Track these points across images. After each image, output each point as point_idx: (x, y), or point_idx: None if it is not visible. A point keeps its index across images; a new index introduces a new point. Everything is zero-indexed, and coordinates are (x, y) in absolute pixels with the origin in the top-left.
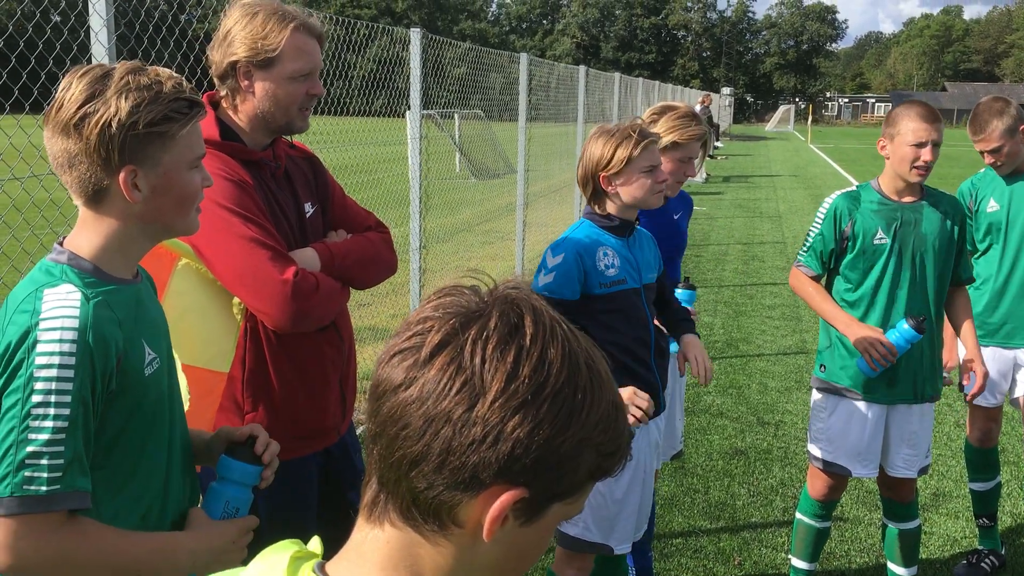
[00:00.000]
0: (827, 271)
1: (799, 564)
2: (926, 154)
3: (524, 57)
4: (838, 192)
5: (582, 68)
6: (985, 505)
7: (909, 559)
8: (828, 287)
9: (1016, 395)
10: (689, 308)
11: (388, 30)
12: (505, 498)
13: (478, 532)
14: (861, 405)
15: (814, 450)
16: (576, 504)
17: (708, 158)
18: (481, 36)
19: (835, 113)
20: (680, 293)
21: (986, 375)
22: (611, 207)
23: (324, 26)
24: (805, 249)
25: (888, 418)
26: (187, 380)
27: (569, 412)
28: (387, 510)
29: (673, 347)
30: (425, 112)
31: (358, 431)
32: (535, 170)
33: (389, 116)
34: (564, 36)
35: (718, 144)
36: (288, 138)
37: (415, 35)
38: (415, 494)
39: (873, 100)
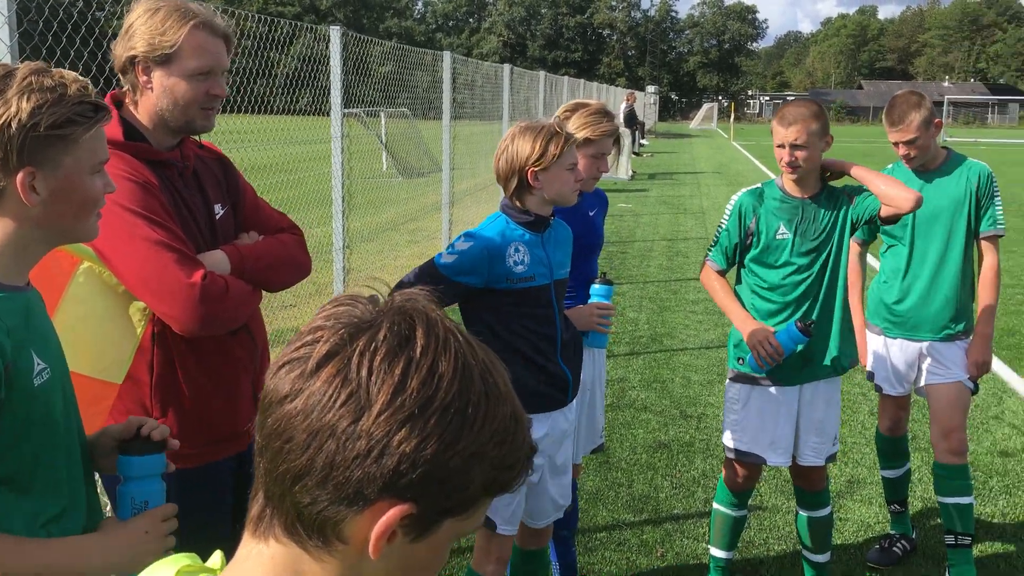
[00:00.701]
0: (732, 266)
1: (717, 553)
2: (784, 155)
3: (447, 55)
4: (744, 189)
5: (507, 67)
6: (896, 491)
7: (822, 545)
8: (737, 281)
9: (921, 384)
10: (607, 302)
11: (311, 27)
12: (391, 514)
13: (365, 549)
14: (774, 393)
15: (728, 441)
16: (471, 520)
17: (634, 155)
18: (407, 34)
19: (757, 111)
20: (597, 288)
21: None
22: (531, 202)
23: (232, 25)
24: (713, 245)
25: (799, 405)
26: (75, 388)
27: (459, 426)
28: (272, 525)
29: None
30: (349, 111)
31: None
32: (461, 168)
33: (314, 114)
34: (491, 34)
35: (644, 142)
36: (197, 138)
37: (335, 33)
38: (299, 509)
39: (793, 98)
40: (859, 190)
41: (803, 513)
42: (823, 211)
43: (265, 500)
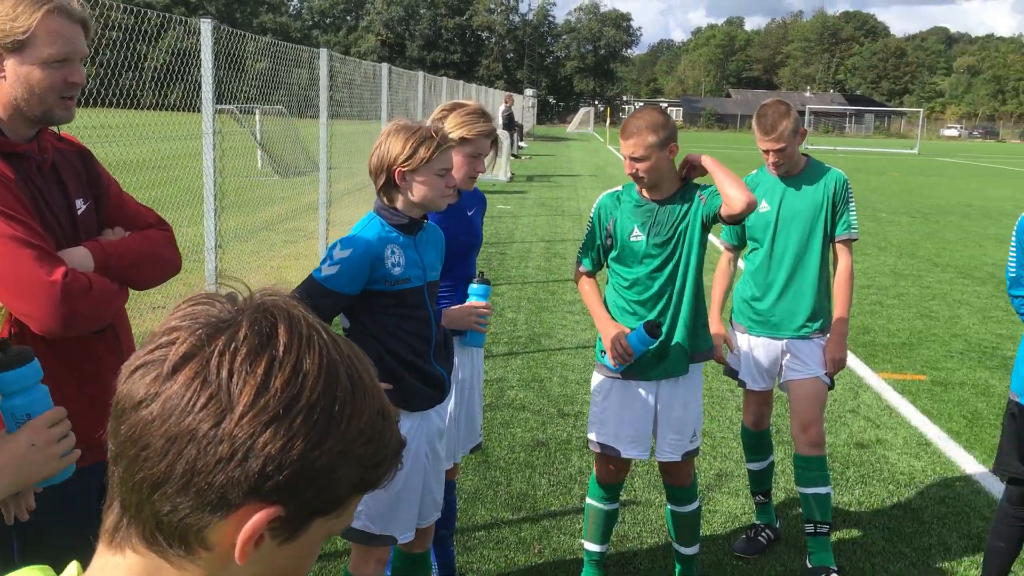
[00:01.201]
0: (598, 267)
1: (591, 547)
2: (627, 167)
3: (324, 52)
4: (605, 192)
5: (385, 66)
6: (760, 483)
7: (691, 539)
8: (608, 280)
9: (785, 379)
10: (484, 302)
11: (181, 20)
12: (258, 518)
13: (230, 554)
14: (631, 387)
15: (591, 434)
16: (342, 519)
17: (512, 157)
18: (282, 30)
19: None
20: (475, 288)
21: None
22: (400, 202)
23: (88, 10)
24: (581, 247)
25: (656, 402)
26: None
27: (326, 425)
28: (129, 535)
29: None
30: (222, 107)
31: None
32: (339, 168)
33: (185, 110)
34: (369, 33)
35: (522, 144)
36: (56, 130)
37: (206, 26)
38: (159, 518)
39: (666, 104)
40: (712, 189)
41: (671, 507)
42: (676, 212)
43: (121, 510)
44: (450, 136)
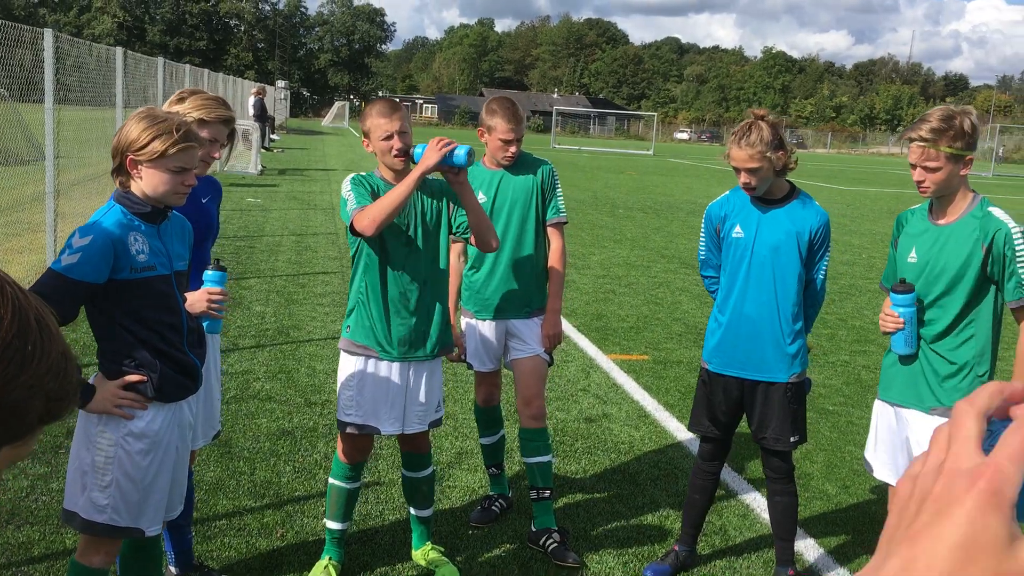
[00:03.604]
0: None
1: (333, 525)
2: (395, 143)
3: (48, 33)
4: (350, 176)
5: (119, 50)
6: (493, 456)
7: (425, 501)
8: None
9: (510, 358)
10: (219, 288)
11: None
12: None
13: None
14: (383, 368)
15: (342, 414)
16: (25, 447)
17: (264, 150)
18: (4, 7)
19: None
20: (209, 274)
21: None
22: (134, 187)
23: None
24: None
25: (404, 381)
26: None
27: (20, 363)
28: None
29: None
30: None
31: None
32: (69, 157)
33: None
34: (104, 15)
35: (274, 137)
36: None
37: None
38: None
39: (422, 101)
40: None
41: (408, 474)
42: (423, 198)
43: None
44: (191, 123)
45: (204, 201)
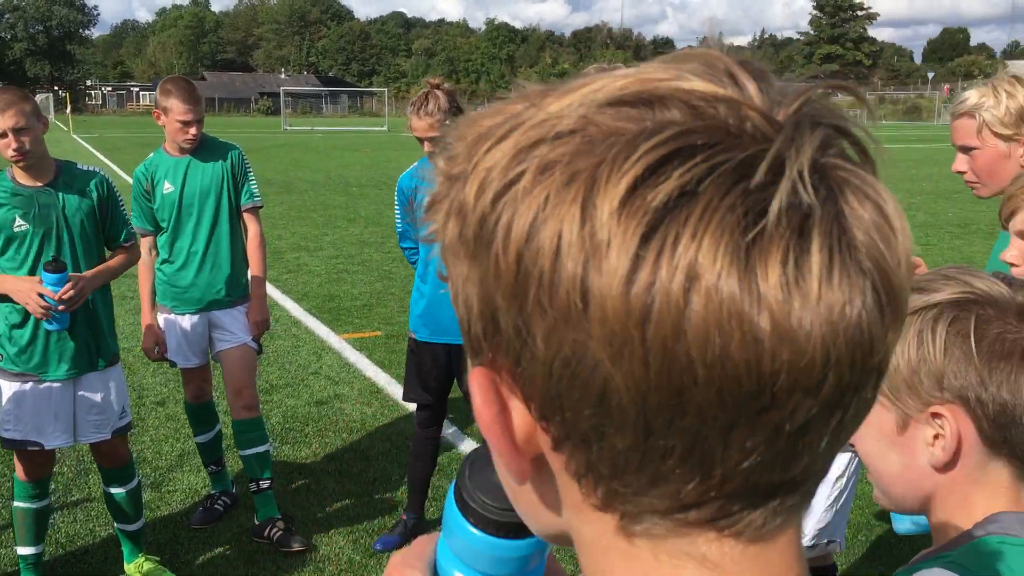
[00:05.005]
0: None
1: (25, 551)
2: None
3: None
4: None
5: None
6: (211, 453)
7: (134, 516)
8: None
9: (216, 351)
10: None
11: None
12: None
13: None
14: (42, 385)
15: (2, 431)
16: None
17: None
18: None
19: (100, 102)
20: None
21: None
22: None
23: None
24: None
25: (72, 392)
26: None
27: None
28: None
29: None
30: None
31: None
32: None
33: None
34: None
35: None
36: None
37: None
38: None
39: (137, 89)
40: None
41: (111, 490)
42: (61, 198)
43: None
44: None
45: None
